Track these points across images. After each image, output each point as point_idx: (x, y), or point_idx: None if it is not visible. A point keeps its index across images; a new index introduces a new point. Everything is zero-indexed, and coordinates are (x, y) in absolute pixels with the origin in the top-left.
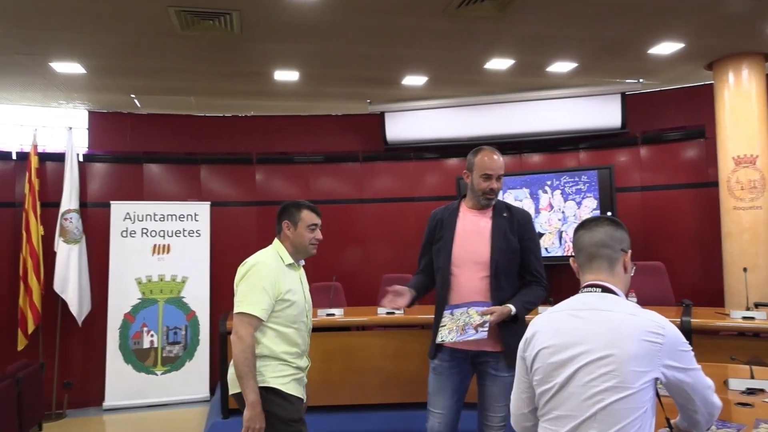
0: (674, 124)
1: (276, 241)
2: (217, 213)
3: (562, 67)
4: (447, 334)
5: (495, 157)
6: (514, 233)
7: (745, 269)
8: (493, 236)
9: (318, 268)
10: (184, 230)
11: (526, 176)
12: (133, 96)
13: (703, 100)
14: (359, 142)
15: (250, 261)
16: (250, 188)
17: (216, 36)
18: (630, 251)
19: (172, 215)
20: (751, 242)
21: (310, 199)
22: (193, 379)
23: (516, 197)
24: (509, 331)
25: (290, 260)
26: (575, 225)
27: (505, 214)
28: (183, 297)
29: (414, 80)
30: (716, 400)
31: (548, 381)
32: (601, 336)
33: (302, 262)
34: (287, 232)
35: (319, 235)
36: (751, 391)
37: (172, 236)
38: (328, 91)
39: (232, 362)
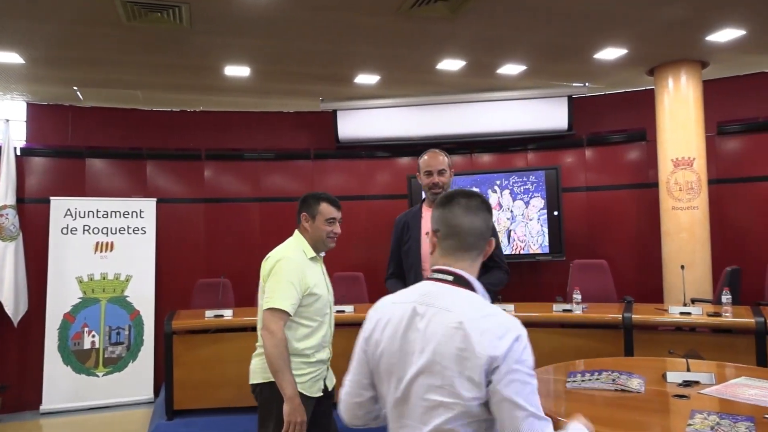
0: (617, 127)
1: (297, 233)
2: (163, 210)
3: (511, 69)
4: None
5: (434, 155)
6: None
7: (682, 267)
8: None
9: None
10: (128, 227)
11: (476, 176)
12: (75, 88)
13: (645, 104)
14: (311, 140)
15: (274, 255)
16: (198, 185)
17: (164, 28)
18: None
19: (116, 212)
20: (688, 241)
21: (259, 197)
22: (136, 380)
23: None
24: None
25: (312, 253)
26: (523, 224)
27: None
28: (127, 296)
29: (366, 79)
30: None
31: (390, 385)
32: (435, 342)
33: (323, 254)
34: (305, 224)
35: (337, 228)
36: (687, 384)
37: (115, 233)
38: (279, 88)
39: (255, 354)
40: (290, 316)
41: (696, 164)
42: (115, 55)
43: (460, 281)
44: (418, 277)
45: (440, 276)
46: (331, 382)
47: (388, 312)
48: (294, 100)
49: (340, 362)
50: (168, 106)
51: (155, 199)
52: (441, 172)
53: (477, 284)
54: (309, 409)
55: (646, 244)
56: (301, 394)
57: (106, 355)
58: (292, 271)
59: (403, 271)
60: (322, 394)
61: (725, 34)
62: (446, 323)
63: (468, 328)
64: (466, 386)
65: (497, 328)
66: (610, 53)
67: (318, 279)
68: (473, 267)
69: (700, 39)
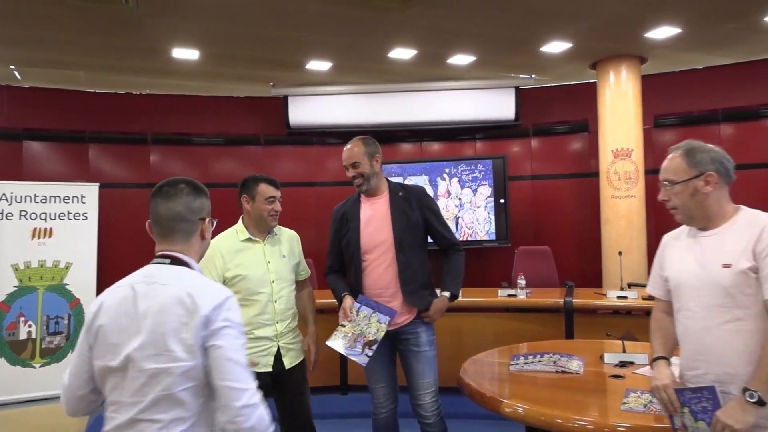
0: (562, 118)
1: (240, 217)
2: (106, 195)
3: (461, 59)
4: (339, 339)
5: (347, 148)
6: (413, 209)
7: (620, 253)
8: (393, 215)
9: None
10: (68, 213)
11: (425, 164)
12: (12, 67)
13: (587, 96)
14: (261, 126)
15: None
16: (143, 170)
17: (108, 8)
18: (208, 218)
19: (55, 197)
20: (626, 228)
21: (208, 182)
22: None
23: (416, 184)
24: (417, 297)
25: (246, 235)
26: (471, 212)
27: (400, 193)
28: (66, 284)
29: (318, 65)
30: (240, 406)
31: (110, 363)
32: (153, 314)
33: (274, 234)
34: (246, 206)
35: (278, 206)
36: (623, 364)
37: (54, 219)
38: (230, 72)
39: None
40: None
41: (634, 155)
42: (57, 35)
43: (176, 262)
44: (357, 270)
45: (159, 260)
46: (291, 361)
47: (108, 297)
48: (244, 84)
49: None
50: (112, 88)
51: (98, 184)
52: (354, 165)
53: (193, 263)
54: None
55: (587, 231)
56: None
57: (43, 346)
58: (207, 256)
59: (343, 264)
60: (270, 369)
61: (662, 32)
62: (166, 295)
63: (186, 296)
64: (183, 348)
65: (211, 294)
66: (556, 47)
67: (247, 260)
68: (189, 248)
69: (639, 35)
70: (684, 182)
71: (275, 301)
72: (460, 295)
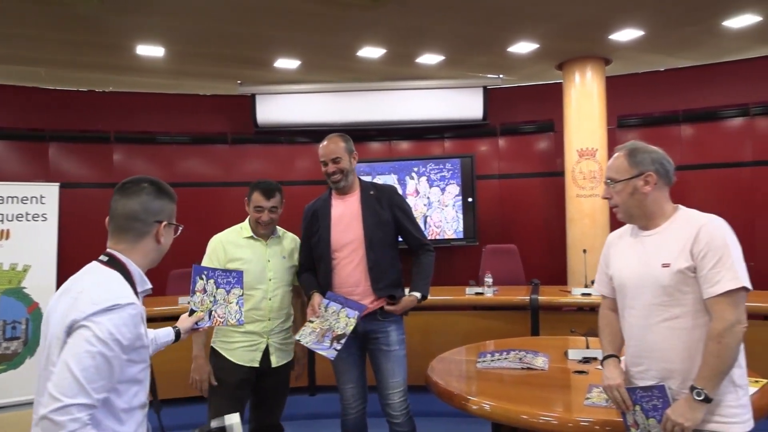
0: (528, 118)
1: (248, 216)
2: (68, 195)
3: (430, 59)
4: (308, 335)
5: (326, 144)
6: (384, 207)
7: (584, 251)
8: (364, 213)
9: (180, 254)
10: (27, 214)
11: (394, 162)
12: None
13: (554, 97)
14: (228, 124)
15: None
16: (106, 169)
17: (71, 3)
18: (166, 222)
19: (12, 197)
20: (590, 226)
21: (173, 182)
22: (35, 377)
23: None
24: (387, 294)
25: (249, 233)
26: (439, 210)
27: (372, 192)
28: (24, 287)
29: (286, 63)
30: (43, 414)
31: (45, 355)
32: (57, 314)
33: (277, 235)
34: (246, 208)
35: (264, 217)
36: (586, 360)
37: (12, 220)
38: (196, 70)
39: None
40: None
41: (598, 155)
42: (16, 30)
43: (113, 262)
44: (328, 269)
45: (101, 257)
46: (278, 360)
47: (59, 289)
48: (211, 82)
49: None
50: (74, 86)
51: (58, 184)
52: (335, 160)
53: (132, 266)
54: (236, 375)
55: (552, 230)
56: (227, 358)
57: None
58: (211, 247)
59: (313, 263)
60: (256, 365)
61: (626, 34)
62: (68, 296)
63: (77, 297)
64: (58, 353)
65: (98, 299)
66: (523, 47)
67: (248, 255)
68: (135, 249)
69: (604, 37)
70: (624, 181)
71: (270, 299)
72: (429, 294)
